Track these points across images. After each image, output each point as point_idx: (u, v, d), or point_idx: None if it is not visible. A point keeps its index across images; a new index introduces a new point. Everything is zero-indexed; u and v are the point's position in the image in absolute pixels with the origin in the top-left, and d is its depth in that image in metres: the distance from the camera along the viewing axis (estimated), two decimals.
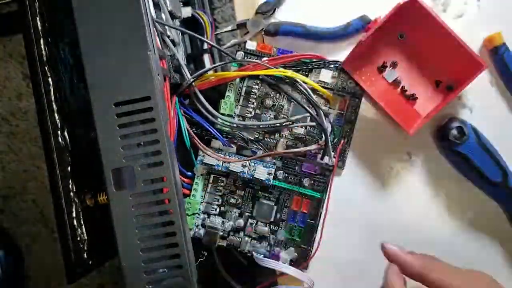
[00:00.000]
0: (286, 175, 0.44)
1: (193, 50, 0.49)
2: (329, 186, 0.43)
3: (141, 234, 0.31)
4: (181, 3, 0.47)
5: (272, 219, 0.44)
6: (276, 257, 0.43)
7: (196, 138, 0.41)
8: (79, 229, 0.37)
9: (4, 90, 0.72)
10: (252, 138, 0.43)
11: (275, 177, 0.43)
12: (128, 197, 0.31)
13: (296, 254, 0.43)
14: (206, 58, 0.48)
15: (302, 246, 0.43)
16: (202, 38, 0.44)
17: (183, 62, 0.41)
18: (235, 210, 0.44)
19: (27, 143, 0.73)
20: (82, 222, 0.37)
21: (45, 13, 0.39)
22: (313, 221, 0.43)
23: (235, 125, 0.43)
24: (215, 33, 0.47)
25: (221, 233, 0.43)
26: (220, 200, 0.44)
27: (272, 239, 0.43)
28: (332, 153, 0.42)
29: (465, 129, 0.43)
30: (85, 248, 0.37)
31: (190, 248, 0.33)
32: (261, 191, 0.44)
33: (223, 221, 0.43)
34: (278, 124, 0.43)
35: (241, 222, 0.43)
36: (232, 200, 0.44)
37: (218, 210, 0.44)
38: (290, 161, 0.44)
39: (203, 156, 0.42)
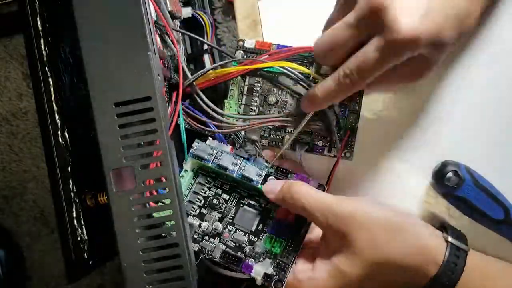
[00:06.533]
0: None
1: (193, 50, 0.49)
2: (331, 175, 0.40)
3: (141, 234, 0.31)
4: (181, 3, 0.47)
5: (253, 229, 0.40)
6: (249, 269, 0.39)
7: (194, 122, 0.39)
8: (79, 229, 0.37)
9: (5, 90, 0.72)
10: (253, 138, 0.42)
11: (264, 182, 0.40)
12: (129, 197, 0.31)
13: (272, 269, 0.38)
14: (207, 58, 0.48)
15: (280, 259, 0.39)
16: (201, 39, 0.43)
17: (183, 62, 0.41)
18: (216, 214, 0.41)
19: (28, 143, 0.73)
20: (82, 222, 0.38)
21: (45, 13, 0.39)
22: (297, 234, 0.39)
23: (240, 119, 0.41)
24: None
25: (195, 236, 0.40)
26: (202, 202, 0.41)
27: (249, 250, 0.39)
28: (339, 145, 0.41)
29: (459, 172, 0.42)
30: (86, 248, 0.37)
31: (191, 248, 0.33)
32: (248, 198, 0.41)
33: (200, 223, 0.40)
34: (281, 118, 0.41)
35: (219, 225, 0.40)
36: (215, 201, 0.41)
37: (198, 211, 0.41)
38: (283, 169, 0.41)
39: (197, 143, 0.40)
